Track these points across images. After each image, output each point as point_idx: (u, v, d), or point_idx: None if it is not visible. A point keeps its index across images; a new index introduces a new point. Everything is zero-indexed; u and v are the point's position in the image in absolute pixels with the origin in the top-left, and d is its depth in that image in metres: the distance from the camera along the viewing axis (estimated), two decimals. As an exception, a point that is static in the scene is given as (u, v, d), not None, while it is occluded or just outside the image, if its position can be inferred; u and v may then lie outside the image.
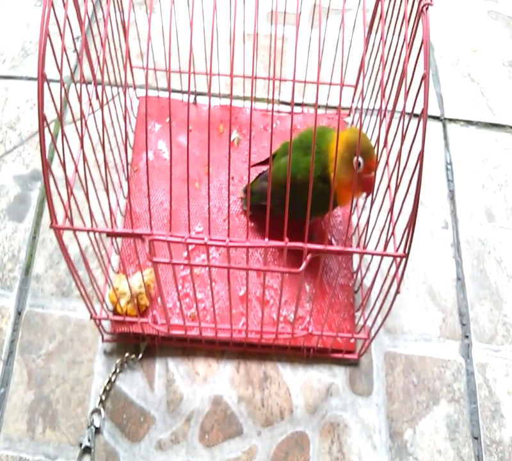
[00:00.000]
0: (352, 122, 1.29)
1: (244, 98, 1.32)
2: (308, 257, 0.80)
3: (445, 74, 1.45)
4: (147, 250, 0.81)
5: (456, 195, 1.28)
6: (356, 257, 1.16)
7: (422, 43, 0.71)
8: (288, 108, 1.35)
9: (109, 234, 0.82)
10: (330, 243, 1.16)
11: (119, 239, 1.14)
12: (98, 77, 1.02)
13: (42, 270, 1.13)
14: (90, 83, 1.00)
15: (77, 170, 0.83)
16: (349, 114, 1.32)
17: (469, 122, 1.38)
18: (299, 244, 0.79)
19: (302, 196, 0.80)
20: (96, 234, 0.93)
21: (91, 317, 0.98)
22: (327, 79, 1.27)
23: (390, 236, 0.85)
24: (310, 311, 1.09)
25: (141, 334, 1.04)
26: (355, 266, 1.15)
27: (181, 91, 1.32)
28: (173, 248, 0.81)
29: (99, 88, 1.09)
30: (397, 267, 0.84)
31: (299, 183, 0.93)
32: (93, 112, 0.93)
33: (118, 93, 1.04)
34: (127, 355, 1.05)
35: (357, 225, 1.16)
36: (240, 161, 1.25)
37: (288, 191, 0.76)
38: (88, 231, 0.82)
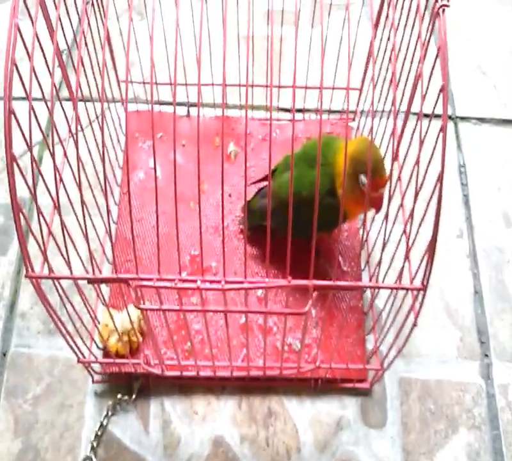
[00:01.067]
0: (358, 127, 1.22)
1: (241, 107, 1.25)
2: (315, 294, 0.73)
3: (454, 68, 1.36)
4: (133, 296, 0.75)
5: (471, 200, 1.20)
6: (365, 275, 1.09)
7: (438, 50, 0.63)
8: (288, 115, 1.27)
9: (90, 281, 0.76)
10: (338, 263, 1.09)
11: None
12: (83, 93, 0.95)
13: (27, 306, 1.07)
14: (81, 100, 0.93)
15: (56, 206, 0.76)
16: (354, 119, 1.24)
17: (482, 119, 1.30)
18: (304, 281, 0.73)
19: (308, 214, 0.74)
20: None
21: (78, 361, 0.92)
22: (329, 81, 1.19)
23: (404, 262, 0.78)
24: (317, 338, 1.02)
25: (134, 373, 0.97)
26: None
27: (173, 103, 1.24)
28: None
29: (82, 106, 1.02)
30: (414, 300, 0.77)
31: (305, 200, 0.85)
32: (73, 135, 0.86)
33: (108, 108, 0.97)
34: (119, 396, 0.98)
35: (365, 243, 1.09)
36: (238, 175, 1.18)
37: (290, 209, 0.70)
38: (66, 279, 0.76)
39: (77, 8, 0.90)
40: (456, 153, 1.25)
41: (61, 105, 0.82)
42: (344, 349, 1.01)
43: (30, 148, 0.69)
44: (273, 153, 1.17)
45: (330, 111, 1.25)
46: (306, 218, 0.76)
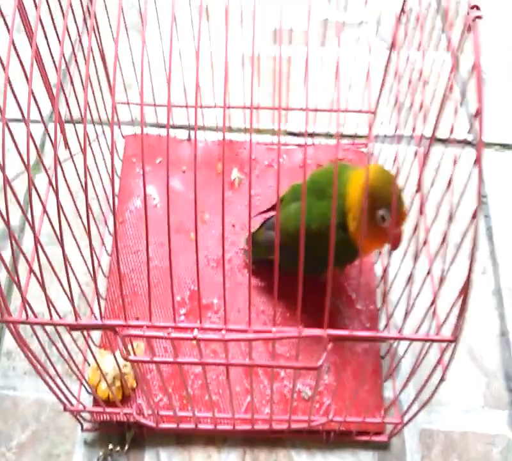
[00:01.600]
0: (372, 154, 1.13)
1: (246, 131, 1.16)
2: (329, 346, 0.65)
3: (473, 90, 1.27)
4: (121, 345, 0.66)
5: (494, 233, 1.11)
6: (383, 315, 0.99)
7: (473, 69, 0.54)
8: (295, 140, 1.18)
9: (72, 328, 0.67)
10: (350, 299, 0.99)
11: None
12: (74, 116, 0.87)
13: (13, 345, 0.97)
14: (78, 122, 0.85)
15: (37, 243, 0.67)
16: (366, 145, 1.16)
17: (505, 146, 1.21)
18: (318, 331, 0.64)
19: (317, 249, 0.67)
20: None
21: (64, 409, 0.83)
22: (340, 104, 1.11)
23: (429, 309, 0.69)
24: (329, 385, 0.92)
25: (127, 422, 0.88)
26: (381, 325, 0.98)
27: (173, 126, 1.16)
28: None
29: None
30: (443, 353, 0.68)
31: (314, 233, 0.77)
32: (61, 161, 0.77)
33: (102, 132, 0.88)
34: (110, 446, 0.89)
35: (381, 280, 0.99)
36: (242, 205, 1.09)
37: (302, 246, 0.61)
38: (45, 325, 0.67)
39: (76, 24, 0.82)
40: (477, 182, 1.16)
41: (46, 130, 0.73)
42: (359, 398, 0.91)
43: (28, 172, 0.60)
44: (280, 181, 1.10)
45: (341, 136, 1.16)
46: (315, 254, 0.68)
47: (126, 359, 0.67)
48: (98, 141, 0.98)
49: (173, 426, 0.84)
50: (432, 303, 0.72)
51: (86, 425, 0.90)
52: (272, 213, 1.01)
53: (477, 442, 0.93)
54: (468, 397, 0.96)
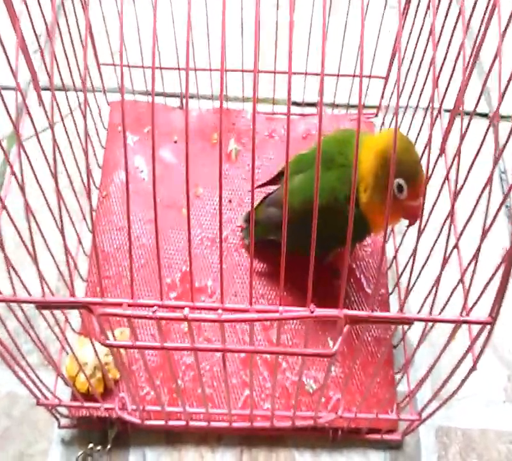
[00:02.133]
0: (383, 124, 1.03)
1: (244, 99, 1.06)
2: (346, 329, 0.55)
3: (488, 58, 1.17)
4: (97, 327, 0.56)
5: (514, 212, 1.01)
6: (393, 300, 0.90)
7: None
8: (299, 109, 1.08)
9: (39, 306, 0.57)
10: (359, 282, 0.90)
11: (81, 284, 0.88)
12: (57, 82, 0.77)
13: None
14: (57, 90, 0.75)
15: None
16: (376, 115, 1.06)
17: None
18: (333, 311, 0.54)
19: (323, 226, 0.58)
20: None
21: (37, 403, 0.73)
22: (349, 70, 1.01)
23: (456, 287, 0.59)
24: (336, 377, 0.83)
25: (109, 418, 0.78)
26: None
27: (164, 94, 1.06)
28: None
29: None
30: (476, 338, 0.58)
31: (321, 208, 0.67)
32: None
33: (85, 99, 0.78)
34: (91, 445, 0.79)
35: (393, 261, 0.90)
36: (239, 178, 0.99)
37: (315, 220, 0.52)
38: (8, 301, 0.57)
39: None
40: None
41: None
42: (370, 392, 0.81)
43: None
44: (279, 152, 1.01)
45: (349, 106, 1.06)
46: (322, 232, 0.58)
47: (103, 343, 0.57)
48: (81, 109, 0.88)
49: (161, 423, 0.74)
50: (460, 281, 0.63)
51: (64, 421, 0.80)
52: (273, 187, 0.92)
53: (498, 441, 0.84)
54: (488, 392, 0.87)
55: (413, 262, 0.59)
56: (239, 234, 0.94)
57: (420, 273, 0.73)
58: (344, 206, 0.73)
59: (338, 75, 1.01)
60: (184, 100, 1.05)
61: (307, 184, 0.80)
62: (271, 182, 0.92)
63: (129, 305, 0.55)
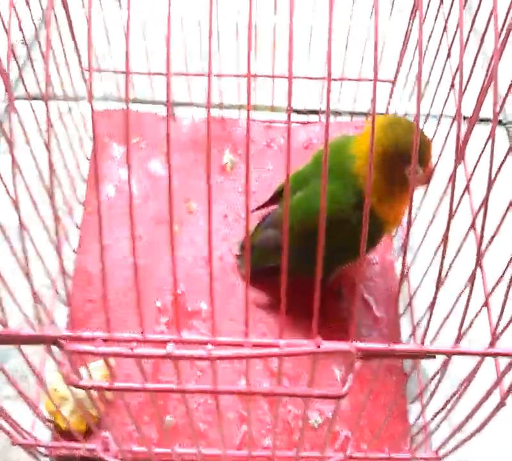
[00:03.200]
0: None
1: (240, 107, 0.99)
2: (357, 365, 0.48)
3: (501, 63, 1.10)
4: (68, 366, 0.49)
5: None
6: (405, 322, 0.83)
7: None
8: (299, 117, 1.01)
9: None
10: (369, 307, 0.82)
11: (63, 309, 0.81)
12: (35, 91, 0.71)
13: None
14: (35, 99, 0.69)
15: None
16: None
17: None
18: (344, 345, 0.47)
19: (332, 240, 0.53)
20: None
21: (12, 442, 0.65)
22: (353, 74, 0.95)
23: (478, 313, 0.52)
24: (344, 411, 0.75)
25: (92, 458, 0.70)
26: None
27: (153, 102, 0.99)
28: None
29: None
30: (505, 372, 0.51)
31: (327, 222, 0.60)
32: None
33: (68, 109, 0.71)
34: (73, 487, 0.71)
35: (404, 279, 0.82)
36: (235, 191, 0.91)
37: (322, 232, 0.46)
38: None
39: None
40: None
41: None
42: (380, 426, 0.74)
43: None
44: (279, 163, 0.93)
45: (353, 114, 0.99)
46: (330, 247, 0.52)
47: (74, 385, 0.50)
48: (62, 120, 0.82)
49: (148, 466, 0.66)
50: (484, 304, 0.55)
51: (43, 460, 0.73)
52: (271, 207, 0.85)
53: (524, 479, 0.76)
54: (509, 425, 0.79)
55: (436, 293, 0.52)
56: (236, 261, 0.86)
57: (435, 297, 0.66)
58: (352, 215, 0.70)
59: (342, 79, 0.94)
60: (176, 110, 0.98)
61: (307, 201, 0.75)
62: (270, 202, 0.85)
63: (105, 340, 0.48)
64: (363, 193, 0.70)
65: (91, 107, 0.44)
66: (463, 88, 0.44)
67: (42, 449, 0.71)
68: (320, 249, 0.44)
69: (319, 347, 0.46)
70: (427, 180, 0.71)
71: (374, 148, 0.68)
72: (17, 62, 0.69)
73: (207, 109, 0.40)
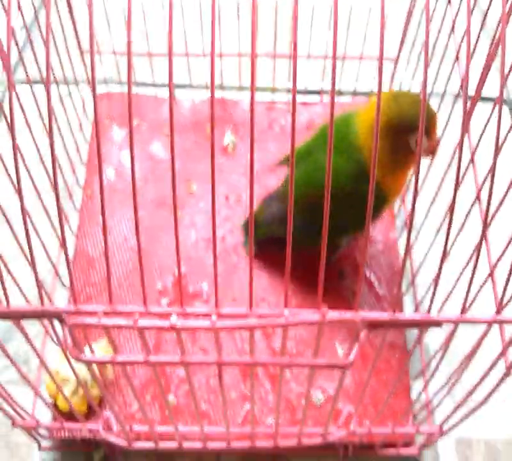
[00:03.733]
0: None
1: (240, 89, 0.99)
2: (362, 334, 0.48)
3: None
4: (69, 340, 0.49)
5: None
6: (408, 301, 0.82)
7: None
8: (302, 98, 1.01)
9: (1, 316, 0.50)
10: (372, 286, 0.82)
11: (63, 291, 0.81)
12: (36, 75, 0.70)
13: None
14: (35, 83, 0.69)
15: None
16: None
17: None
18: (349, 314, 0.47)
19: (337, 210, 0.56)
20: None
21: (13, 424, 0.65)
22: (355, 52, 0.94)
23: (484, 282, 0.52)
24: (346, 387, 0.75)
25: (94, 440, 0.70)
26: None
27: (153, 85, 0.98)
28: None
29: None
30: (509, 343, 0.51)
31: (333, 193, 0.61)
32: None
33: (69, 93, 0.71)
34: (75, 468, 0.71)
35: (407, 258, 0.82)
36: (237, 173, 0.91)
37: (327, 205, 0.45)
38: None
39: None
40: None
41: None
42: (383, 402, 0.73)
43: None
44: (280, 145, 0.93)
45: (355, 93, 0.99)
46: (335, 217, 0.53)
47: (77, 359, 0.50)
48: (62, 104, 0.81)
49: (151, 445, 0.66)
50: (490, 275, 0.55)
51: (44, 443, 0.73)
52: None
53: (527, 453, 0.76)
54: (512, 398, 0.79)
55: (442, 263, 0.51)
56: (238, 233, 0.86)
57: (440, 270, 0.66)
58: (357, 187, 0.69)
59: (344, 58, 0.93)
60: (177, 91, 0.97)
61: (310, 174, 0.75)
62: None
63: (107, 314, 0.47)
64: (367, 165, 0.71)
65: (94, 87, 0.44)
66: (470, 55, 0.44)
67: (43, 432, 0.71)
68: (326, 222, 0.44)
69: (324, 316, 0.45)
70: (432, 150, 0.70)
71: (385, 118, 0.69)
72: (17, 45, 0.68)
73: (210, 90, 0.39)
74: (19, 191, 0.48)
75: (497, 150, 0.48)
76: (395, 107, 0.68)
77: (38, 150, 0.71)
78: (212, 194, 0.42)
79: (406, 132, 0.68)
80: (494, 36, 0.59)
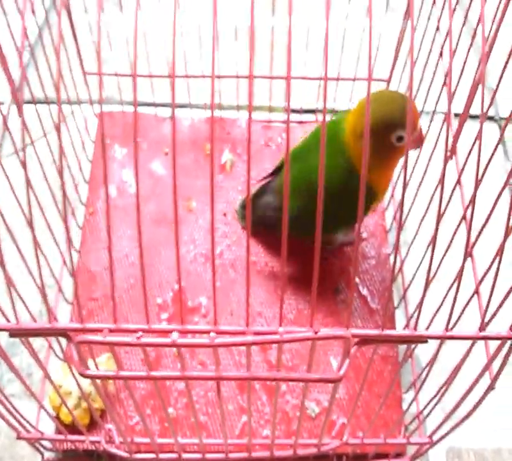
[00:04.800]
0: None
1: (238, 108, 1.01)
2: (354, 350, 0.50)
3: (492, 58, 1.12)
4: (76, 356, 0.51)
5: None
6: (400, 315, 0.85)
7: None
8: (298, 117, 1.03)
9: (12, 334, 0.52)
10: (362, 297, 0.84)
11: (65, 307, 0.84)
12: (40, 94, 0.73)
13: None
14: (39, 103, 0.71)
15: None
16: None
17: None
18: (340, 330, 0.49)
19: (330, 207, 0.60)
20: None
21: (18, 436, 0.68)
22: (349, 74, 0.97)
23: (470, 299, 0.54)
24: (340, 399, 0.77)
25: (96, 451, 0.73)
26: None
27: (154, 104, 1.01)
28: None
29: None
30: (493, 356, 0.53)
31: (326, 188, 0.64)
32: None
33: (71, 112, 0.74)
34: (78, 479, 0.74)
35: (398, 273, 0.84)
36: (234, 190, 0.94)
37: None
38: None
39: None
40: (503, 161, 1.01)
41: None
42: (375, 413, 0.76)
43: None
44: (277, 162, 0.96)
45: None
46: (329, 213, 0.58)
47: (82, 374, 0.52)
48: (65, 123, 0.84)
49: (152, 456, 0.68)
50: (475, 292, 0.57)
51: (48, 454, 0.75)
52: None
53: (514, 461, 0.78)
54: (501, 408, 0.81)
55: (428, 279, 0.54)
56: (236, 218, 0.92)
57: (427, 285, 0.68)
58: (348, 182, 0.75)
59: (338, 79, 0.96)
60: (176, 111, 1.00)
61: (303, 174, 0.79)
62: (271, 175, 0.88)
63: (111, 331, 0.50)
64: (354, 164, 0.75)
65: (100, 106, 0.46)
66: (452, 90, 0.46)
67: (47, 444, 0.74)
68: (319, 225, 0.46)
69: (316, 333, 0.48)
70: (416, 144, 0.73)
71: (360, 120, 0.73)
72: (22, 66, 0.71)
73: (210, 109, 0.42)
74: (30, 219, 0.50)
75: (478, 178, 0.50)
76: (375, 107, 0.70)
77: (42, 166, 0.74)
78: (211, 212, 0.44)
79: (387, 130, 0.71)
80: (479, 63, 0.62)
